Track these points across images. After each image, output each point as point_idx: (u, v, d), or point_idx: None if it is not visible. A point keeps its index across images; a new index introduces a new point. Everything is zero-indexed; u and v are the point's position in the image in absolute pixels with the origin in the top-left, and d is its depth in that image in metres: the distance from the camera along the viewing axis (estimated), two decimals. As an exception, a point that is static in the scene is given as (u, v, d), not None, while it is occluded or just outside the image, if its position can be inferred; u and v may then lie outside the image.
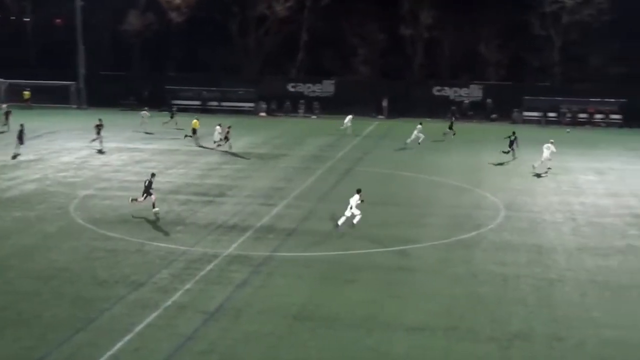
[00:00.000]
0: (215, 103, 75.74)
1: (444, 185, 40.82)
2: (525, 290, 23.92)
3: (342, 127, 59.62)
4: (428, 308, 22.23)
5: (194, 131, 53.24)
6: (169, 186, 38.79)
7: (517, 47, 75.88)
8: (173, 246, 27.83)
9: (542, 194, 38.91)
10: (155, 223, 31.15)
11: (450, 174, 43.70)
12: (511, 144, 49.01)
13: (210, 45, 77.56)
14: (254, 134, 56.56)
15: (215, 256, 26.73)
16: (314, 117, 71.71)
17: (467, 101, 74.59)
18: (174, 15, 79.22)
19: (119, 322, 20.55)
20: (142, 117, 60.08)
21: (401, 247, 28.44)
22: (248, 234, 29.89)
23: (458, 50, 78.89)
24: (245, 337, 19.86)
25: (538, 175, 43.93)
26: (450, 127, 58.20)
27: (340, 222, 30.30)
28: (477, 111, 73.62)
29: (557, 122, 69.87)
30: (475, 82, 76.15)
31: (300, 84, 77.75)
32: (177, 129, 59.03)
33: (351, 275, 25.10)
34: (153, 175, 33.17)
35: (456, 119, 70.67)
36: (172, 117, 61.84)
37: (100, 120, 50.97)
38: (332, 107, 72.28)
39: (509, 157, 48.92)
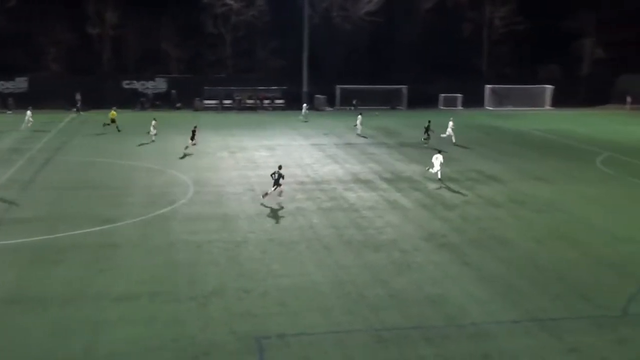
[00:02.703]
0: None
1: (140, 168, 40.03)
2: (216, 253, 24.45)
3: (301, 117, 62.31)
4: (133, 278, 21.85)
5: (112, 120, 53.48)
6: None
7: (195, 44, 76.98)
8: None
9: (224, 170, 39.79)
10: None
11: (144, 158, 42.93)
12: (426, 130, 49.45)
13: None
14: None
15: None
16: (10, 112, 66.25)
17: (151, 93, 73.83)
18: None
19: None
20: (27, 117, 54.33)
21: (104, 227, 27.50)
22: (-50, 227, 26.98)
23: (143, 47, 78.13)
24: (-45, 327, 18.01)
25: (454, 145, 48.06)
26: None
27: (439, 176, 34.88)
28: (163, 101, 73.24)
29: (233, 108, 71.84)
30: (160, 75, 75.62)
31: (-7, 82, 71.45)
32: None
33: (58, 256, 23.78)
34: (280, 167, 32.16)
35: (145, 109, 69.87)
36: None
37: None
38: (27, 102, 67.16)
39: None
